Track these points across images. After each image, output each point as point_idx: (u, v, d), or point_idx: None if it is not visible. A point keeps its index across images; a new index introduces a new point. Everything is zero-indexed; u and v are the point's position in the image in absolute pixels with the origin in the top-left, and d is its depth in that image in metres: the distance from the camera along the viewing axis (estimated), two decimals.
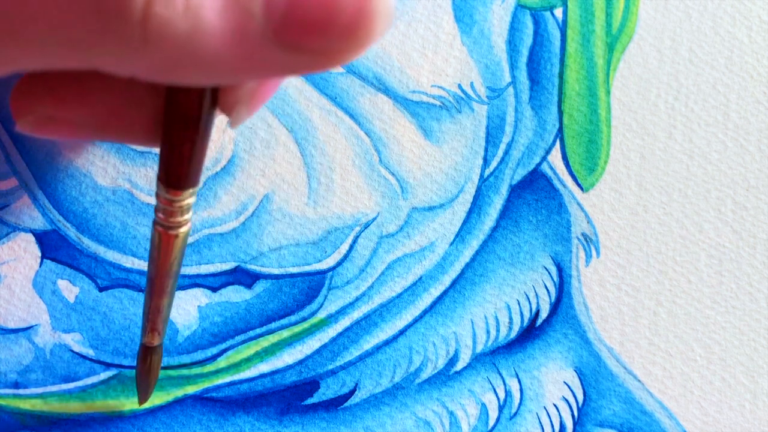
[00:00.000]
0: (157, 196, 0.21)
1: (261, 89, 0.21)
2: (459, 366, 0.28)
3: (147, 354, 0.25)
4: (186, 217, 0.22)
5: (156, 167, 0.28)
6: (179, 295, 0.28)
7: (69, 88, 0.21)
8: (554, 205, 0.30)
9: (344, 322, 0.28)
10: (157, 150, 0.29)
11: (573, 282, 0.29)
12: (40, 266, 0.28)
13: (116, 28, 0.16)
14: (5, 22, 0.16)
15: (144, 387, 0.26)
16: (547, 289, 0.29)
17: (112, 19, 0.16)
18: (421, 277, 0.29)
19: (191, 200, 0.21)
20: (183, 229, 0.22)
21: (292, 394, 0.28)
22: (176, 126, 0.20)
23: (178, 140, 0.20)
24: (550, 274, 0.29)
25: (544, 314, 0.29)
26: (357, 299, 0.29)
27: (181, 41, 0.16)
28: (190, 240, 0.28)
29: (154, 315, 0.24)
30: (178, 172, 0.21)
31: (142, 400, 0.27)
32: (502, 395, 0.28)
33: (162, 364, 0.28)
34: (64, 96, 0.21)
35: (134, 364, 0.27)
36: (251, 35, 0.17)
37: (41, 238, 0.28)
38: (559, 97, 0.30)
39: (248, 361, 0.28)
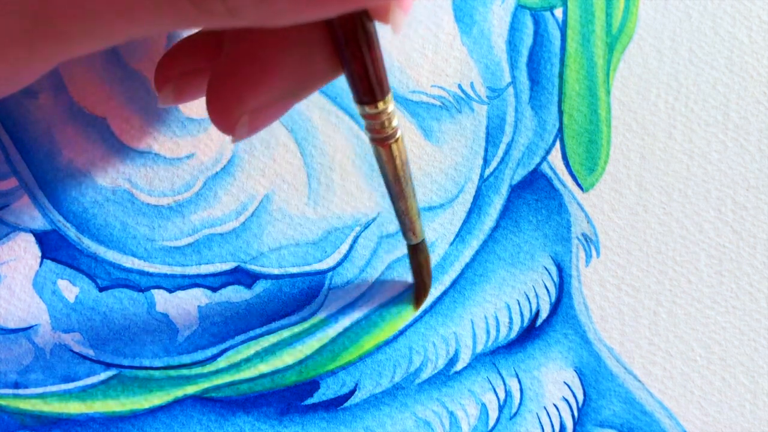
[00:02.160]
0: (363, 116, 0.23)
1: None
2: (459, 366, 0.28)
3: (414, 252, 0.27)
4: (394, 124, 0.23)
5: (155, 167, 0.28)
6: (179, 295, 0.28)
7: (257, 73, 0.22)
8: (554, 205, 0.30)
9: (344, 322, 0.28)
10: (155, 148, 0.29)
11: (573, 282, 0.29)
12: (40, 266, 0.28)
13: (205, 7, 0.18)
14: (115, 3, 0.18)
15: (420, 285, 0.28)
16: (547, 289, 0.29)
17: (199, 4, 0.18)
18: None
19: (391, 107, 0.23)
20: (397, 135, 0.23)
21: (292, 394, 0.28)
22: (345, 47, 0.21)
23: (351, 59, 0.22)
24: (550, 274, 0.29)
25: (544, 314, 0.29)
26: (357, 299, 0.29)
27: (257, 6, 0.18)
28: (190, 240, 0.28)
29: (406, 217, 0.26)
30: (364, 87, 0.22)
31: (421, 300, 0.28)
32: (502, 395, 0.28)
33: (162, 365, 0.28)
34: (256, 82, 0.22)
35: (134, 364, 0.28)
36: None
37: (41, 238, 0.28)
38: (559, 97, 0.30)
39: (248, 361, 0.28)
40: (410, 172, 0.25)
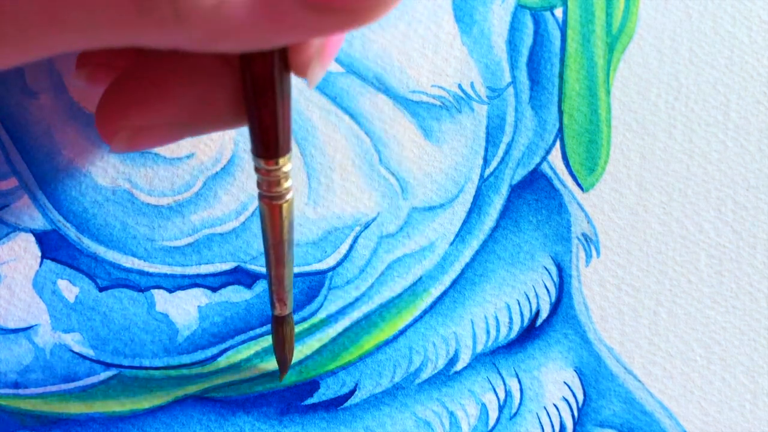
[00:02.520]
0: (256, 170, 0.22)
1: (329, 43, 0.21)
2: (459, 366, 0.28)
3: (278, 325, 0.26)
4: (287, 185, 0.22)
5: (155, 167, 0.28)
6: (179, 295, 0.28)
7: (151, 93, 0.22)
8: (554, 205, 0.30)
9: (344, 322, 0.28)
10: (159, 149, 0.29)
11: (573, 282, 0.29)
12: (40, 266, 0.28)
13: (150, 9, 0.17)
14: (46, 9, 0.17)
15: (282, 359, 0.27)
16: (547, 289, 0.29)
17: (146, 1, 0.17)
18: (421, 277, 0.29)
19: (288, 167, 0.22)
20: (288, 197, 0.23)
21: (292, 394, 0.28)
22: (256, 95, 0.20)
23: (260, 109, 0.21)
24: (550, 274, 0.29)
25: (544, 314, 0.29)
26: (357, 299, 0.29)
27: (210, 14, 0.17)
28: (190, 240, 0.28)
29: (276, 286, 0.25)
30: (267, 140, 0.21)
31: (282, 374, 0.27)
32: (502, 395, 0.28)
33: (162, 365, 0.28)
34: (149, 101, 0.22)
35: (134, 364, 0.28)
36: (278, 0, 0.17)
37: (41, 238, 0.28)
38: (559, 97, 0.30)
39: (248, 361, 0.28)
40: (293, 237, 0.24)
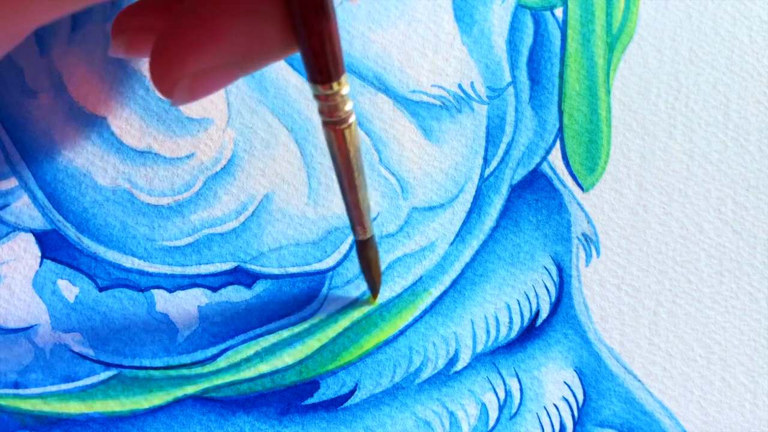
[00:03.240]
0: (316, 97, 0.22)
1: None
2: (459, 366, 0.28)
3: (361, 249, 0.27)
4: (347, 108, 0.22)
5: (155, 167, 0.28)
6: (179, 295, 0.28)
7: (203, 36, 0.22)
8: (554, 205, 0.30)
9: (344, 322, 0.28)
10: (155, 148, 0.29)
11: (573, 282, 0.29)
12: (40, 266, 0.28)
13: None
14: None
15: (370, 281, 0.28)
16: (547, 289, 0.29)
17: None
18: (421, 277, 0.29)
19: (345, 90, 0.22)
20: (351, 120, 0.23)
21: (292, 394, 0.28)
22: (304, 20, 0.20)
23: (309, 33, 0.21)
24: (550, 274, 0.29)
25: (544, 314, 0.29)
26: (357, 299, 0.29)
27: None
28: (190, 240, 0.28)
29: (355, 211, 0.25)
30: (320, 64, 0.21)
31: (374, 296, 0.28)
32: (502, 395, 0.28)
33: (162, 365, 0.28)
34: (203, 45, 0.22)
35: (134, 364, 0.28)
36: None
37: (41, 238, 0.28)
38: (560, 96, 0.30)
39: (248, 361, 0.28)
40: (362, 162, 0.24)
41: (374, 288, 0.28)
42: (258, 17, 0.21)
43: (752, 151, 0.30)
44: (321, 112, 0.22)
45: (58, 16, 0.19)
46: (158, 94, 0.23)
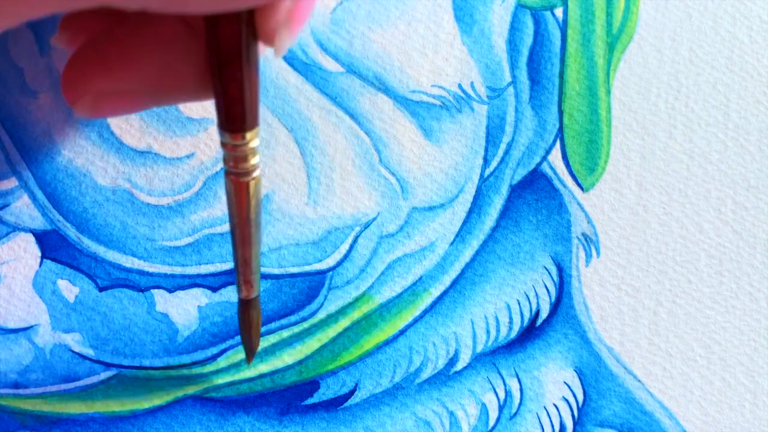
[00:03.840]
0: (223, 145, 0.21)
1: (297, 9, 0.21)
2: (459, 366, 0.28)
3: (245, 308, 0.25)
4: (254, 161, 0.22)
5: (155, 167, 0.28)
6: (179, 295, 0.28)
7: (116, 57, 0.22)
8: (554, 205, 0.30)
9: (344, 322, 0.28)
10: (155, 148, 0.29)
11: (573, 282, 0.29)
12: (40, 266, 0.28)
13: None
14: None
15: (248, 343, 0.26)
16: (547, 289, 0.29)
17: None
18: (421, 277, 0.29)
19: (255, 143, 0.21)
20: (255, 174, 0.22)
21: (292, 394, 0.28)
22: (221, 64, 0.20)
23: (226, 79, 0.20)
24: (550, 274, 0.29)
25: (544, 314, 0.29)
26: (357, 299, 0.29)
27: None
28: (190, 240, 0.28)
29: (243, 267, 0.24)
30: (234, 113, 0.21)
31: (249, 359, 0.26)
32: (502, 395, 0.28)
33: (162, 364, 0.28)
34: (113, 66, 0.22)
35: (134, 364, 0.28)
36: None
37: (41, 238, 0.28)
38: (560, 96, 0.30)
39: None
40: (261, 217, 0.23)
41: (251, 351, 0.26)
42: (174, 52, 0.21)
43: (752, 151, 0.30)
44: (225, 161, 0.22)
45: (46, 13, 0.19)
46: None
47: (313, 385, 0.28)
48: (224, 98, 0.20)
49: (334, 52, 0.29)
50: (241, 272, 0.24)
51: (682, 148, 0.30)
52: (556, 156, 0.30)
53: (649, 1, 0.31)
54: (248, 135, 0.21)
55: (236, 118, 0.21)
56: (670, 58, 0.31)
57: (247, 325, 0.26)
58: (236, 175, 0.22)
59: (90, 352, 0.28)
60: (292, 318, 0.28)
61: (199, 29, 0.21)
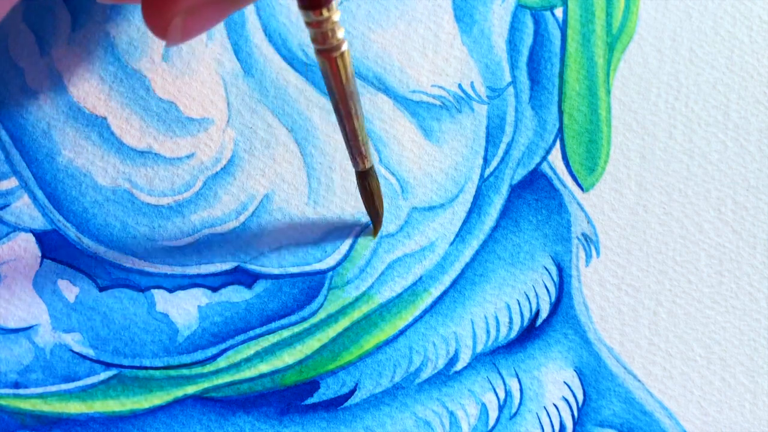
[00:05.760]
0: (307, 24, 0.22)
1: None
2: (459, 366, 0.28)
3: (362, 179, 0.27)
4: (339, 35, 0.22)
5: (155, 167, 0.28)
6: (179, 295, 0.28)
7: None
8: (554, 205, 0.30)
9: (344, 322, 0.28)
10: (155, 148, 0.29)
11: (573, 282, 0.29)
12: (40, 266, 0.28)
13: None
14: None
15: (373, 213, 0.28)
16: (547, 289, 0.29)
17: None
18: (421, 277, 0.29)
19: (336, 16, 0.22)
20: (343, 47, 0.23)
21: (292, 394, 0.28)
22: None
23: None
24: (550, 274, 0.29)
25: (544, 314, 0.29)
26: (357, 299, 0.29)
27: None
28: (190, 240, 0.28)
29: (353, 140, 0.25)
30: None
31: (376, 228, 0.28)
32: (502, 395, 0.28)
33: (162, 364, 0.28)
34: None
35: (134, 363, 0.28)
36: None
37: (41, 238, 0.28)
38: (560, 96, 0.30)
39: (248, 361, 0.28)
40: (357, 89, 0.24)
41: (377, 220, 0.28)
42: None
43: (752, 151, 0.30)
44: (314, 40, 0.23)
45: None
46: (153, 35, 0.23)
47: (313, 385, 0.28)
48: None
49: None
50: (353, 144, 0.25)
51: (682, 148, 0.30)
52: (556, 156, 0.30)
53: (649, 1, 0.31)
54: (325, 12, 0.22)
55: None
56: (670, 58, 0.31)
57: (369, 193, 0.27)
58: (327, 51, 0.23)
59: (90, 352, 0.28)
60: (292, 318, 0.28)
61: None
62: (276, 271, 0.28)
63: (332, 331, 0.28)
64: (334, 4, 0.22)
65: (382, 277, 0.29)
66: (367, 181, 0.27)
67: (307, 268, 0.28)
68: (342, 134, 0.25)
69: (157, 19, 0.23)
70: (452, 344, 0.29)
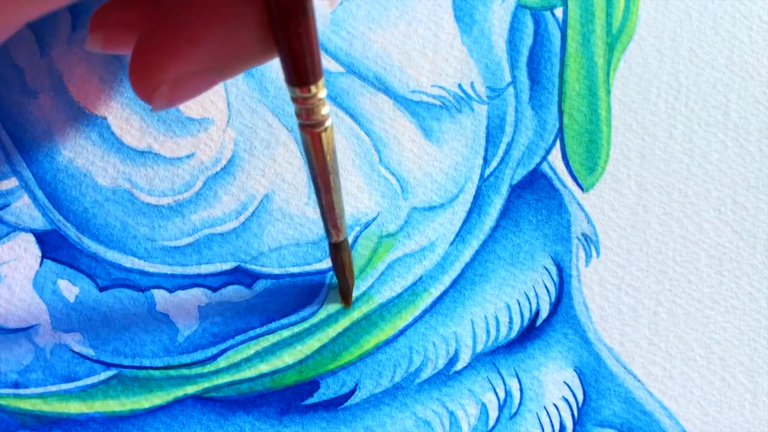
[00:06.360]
0: (293, 100, 0.22)
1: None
2: (459, 366, 0.28)
3: (336, 252, 0.27)
4: (324, 112, 0.23)
5: (155, 167, 0.28)
6: (179, 295, 0.28)
7: (182, 41, 0.22)
8: (554, 205, 0.30)
9: (344, 322, 0.28)
10: (155, 148, 0.29)
11: (573, 282, 0.29)
12: (40, 266, 0.28)
13: None
14: None
15: (344, 284, 0.28)
16: (547, 289, 0.29)
17: None
18: (421, 277, 0.29)
19: (323, 93, 0.22)
20: (327, 124, 0.23)
21: (292, 394, 0.28)
22: (282, 21, 0.21)
23: (288, 35, 0.21)
24: (550, 274, 0.29)
25: (544, 314, 0.29)
26: (357, 299, 0.29)
27: None
28: (190, 240, 0.28)
29: (329, 213, 0.25)
30: (300, 67, 0.22)
31: (348, 300, 0.28)
32: (502, 395, 0.28)
33: (162, 364, 0.28)
34: (182, 50, 0.22)
35: (134, 363, 0.28)
36: None
37: (41, 238, 0.28)
38: (560, 96, 0.30)
39: (248, 361, 0.28)
40: (337, 164, 0.24)
41: (347, 292, 0.28)
42: (236, 22, 0.22)
43: (752, 151, 0.30)
44: (298, 115, 0.23)
45: (50, 10, 0.20)
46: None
47: (313, 385, 0.28)
48: (289, 53, 0.21)
49: (334, 52, 0.30)
50: (328, 218, 0.25)
51: (682, 148, 0.30)
52: (556, 156, 0.30)
53: (649, 1, 0.31)
54: (313, 88, 0.22)
55: (302, 72, 0.22)
56: (670, 58, 0.31)
57: (341, 265, 0.27)
58: (310, 127, 0.23)
59: (90, 351, 0.28)
60: (292, 318, 0.28)
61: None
62: (276, 270, 0.28)
63: (332, 331, 0.28)
64: (321, 81, 0.22)
65: (382, 277, 0.29)
66: (339, 254, 0.27)
67: (307, 268, 0.28)
68: (318, 206, 0.25)
69: (142, 84, 0.23)
70: (452, 344, 0.29)
